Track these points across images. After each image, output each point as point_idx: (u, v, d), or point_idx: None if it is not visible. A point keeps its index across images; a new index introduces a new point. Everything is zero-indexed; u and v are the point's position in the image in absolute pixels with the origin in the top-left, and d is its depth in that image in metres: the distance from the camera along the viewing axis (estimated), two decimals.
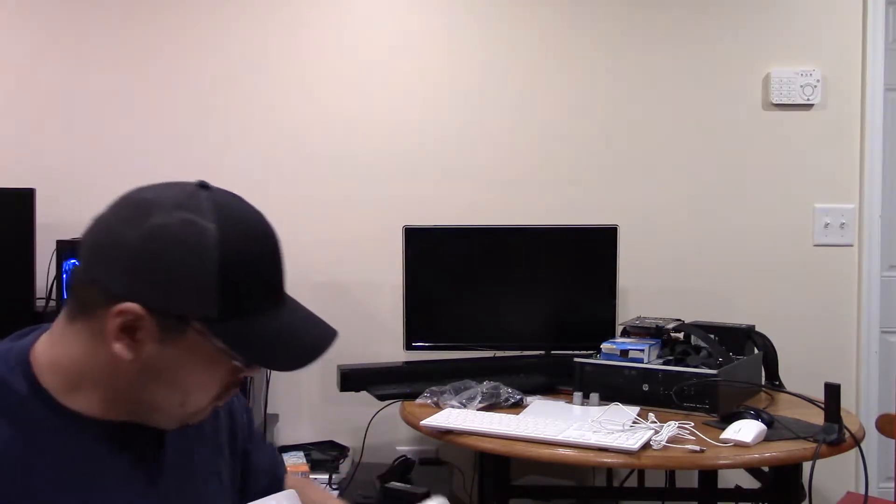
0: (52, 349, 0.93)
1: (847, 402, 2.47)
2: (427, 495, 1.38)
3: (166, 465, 0.99)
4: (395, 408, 2.36)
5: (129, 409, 0.93)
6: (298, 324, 0.95)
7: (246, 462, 1.16)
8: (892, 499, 2.54)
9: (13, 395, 0.90)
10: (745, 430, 1.88)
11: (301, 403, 2.87)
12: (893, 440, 2.32)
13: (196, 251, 0.86)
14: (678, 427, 1.91)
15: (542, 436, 1.89)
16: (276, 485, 1.21)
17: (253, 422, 1.21)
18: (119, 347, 0.87)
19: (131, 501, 0.94)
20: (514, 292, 2.56)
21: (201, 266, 0.86)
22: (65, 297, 2.43)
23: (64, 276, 2.48)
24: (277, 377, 2.80)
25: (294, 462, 2.49)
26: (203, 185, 0.92)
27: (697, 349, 2.30)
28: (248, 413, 1.20)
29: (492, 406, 2.16)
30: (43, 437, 0.89)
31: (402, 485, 2.30)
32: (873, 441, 2.60)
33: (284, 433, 2.85)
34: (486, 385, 2.22)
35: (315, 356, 0.94)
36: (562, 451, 1.86)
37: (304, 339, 0.94)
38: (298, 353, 0.93)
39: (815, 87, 2.84)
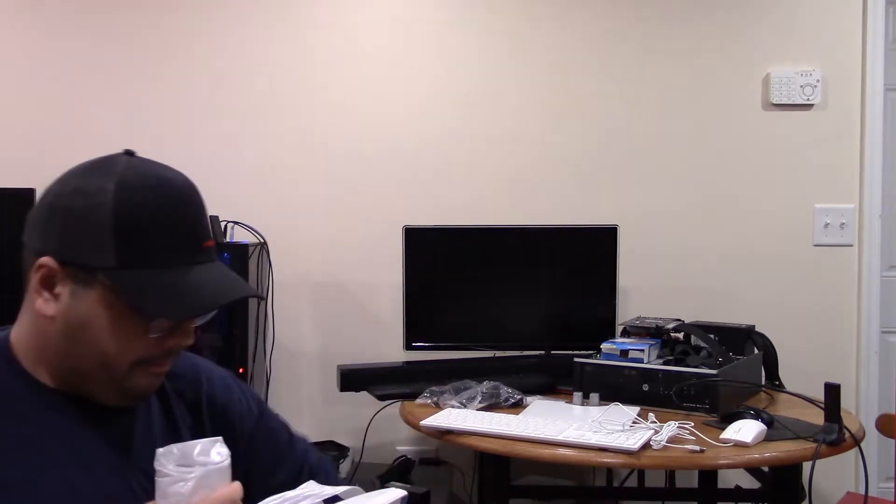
0: (18, 329, 0.99)
1: (847, 402, 2.47)
2: (427, 496, 1.37)
3: (134, 451, 0.99)
4: (395, 408, 2.36)
5: (68, 378, 0.96)
6: (207, 278, 0.95)
7: (252, 449, 1.13)
8: (893, 499, 2.53)
9: None
10: (745, 430, 1.88)
11: (301, 403, 2.87)
12: (893, 440, 2.32)
13: (94, 202, 0.92)
14: (678, 427, 1.91)
15: (542, 436, 1.88)
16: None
17: (263, 414, 1.17)
18: (41, 303, 0.93)
19: (98, 480, 0.95)
20: (514, 292, 2.56)
21: (98, 216, 0.92)
22: None
23: None
24: (278, 377, 2.80)
25: None
26: (128, 153, 0.99)
27: (697, 349, 2.30)
28: (250, 400, 1.16)
29: (492, 406, 2.16)
30: (14, 407, 0.93)
31: (402, 485, 2.29)
32: (873, 441, 2.61)
33: None
34: (486, 385, 2.22)
35: (210, 307, 0.96)
36: (562, 451, 1.86)
37: (204, 291, 0.94)
38: (193, 301, 0.93)
39: (815, 87, 2.84)
